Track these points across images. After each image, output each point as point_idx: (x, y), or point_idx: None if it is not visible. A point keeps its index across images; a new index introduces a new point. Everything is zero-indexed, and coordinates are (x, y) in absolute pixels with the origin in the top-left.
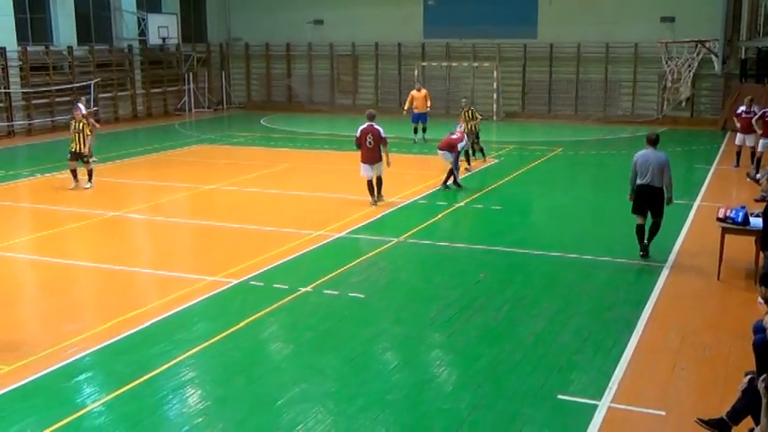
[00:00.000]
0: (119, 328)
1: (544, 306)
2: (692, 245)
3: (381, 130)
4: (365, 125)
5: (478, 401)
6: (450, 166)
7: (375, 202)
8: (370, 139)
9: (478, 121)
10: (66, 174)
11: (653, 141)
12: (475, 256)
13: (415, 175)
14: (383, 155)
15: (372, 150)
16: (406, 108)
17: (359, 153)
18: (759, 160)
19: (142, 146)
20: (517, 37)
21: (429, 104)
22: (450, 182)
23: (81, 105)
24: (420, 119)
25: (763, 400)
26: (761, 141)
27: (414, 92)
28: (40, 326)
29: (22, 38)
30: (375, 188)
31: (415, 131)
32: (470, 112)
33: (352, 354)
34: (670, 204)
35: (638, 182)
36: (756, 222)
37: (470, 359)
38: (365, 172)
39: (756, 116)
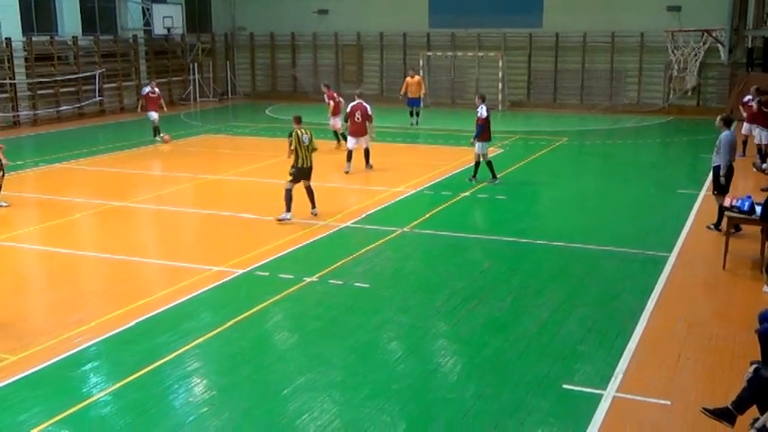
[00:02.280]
0: (125, 318)
1: (549, 296)
2: (698, 234)
3: (369, 107)
4: (355, 102)
5: (483, 391)
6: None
7: (348, 171)
8: (358, 114)
9: None
10: (73, 163)
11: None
12: (480, 246)
13: (420, 165)
14: (369, 129)
15: (360, 125)
16: (402, 92)
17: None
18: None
19: (147, 136)
20: (522, 26)
21: (423, 91)
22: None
23: None
24: (414, 104)
25: None
26: (764, 133)
27: (408, 78)
28: (46, 315)
29: (26, 28)
30: (357, 158)
31: (411, 115)
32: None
33: (358, 343)
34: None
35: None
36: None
37: (475, 348)
38: (351, 144)
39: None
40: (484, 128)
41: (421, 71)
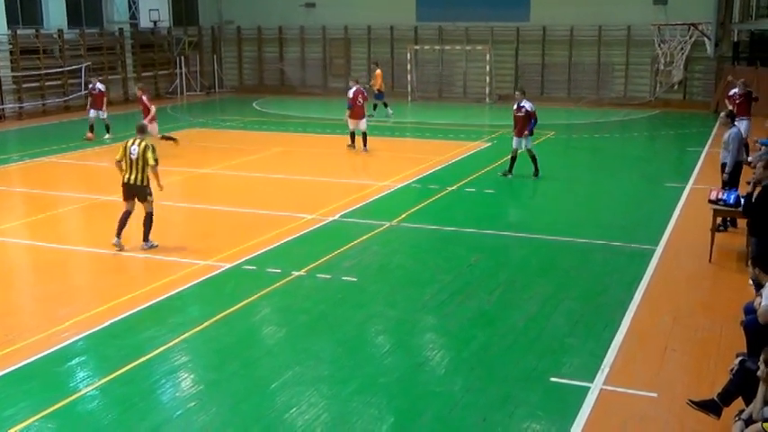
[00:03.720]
0: (112, 313)
1: (537, 289)
2: (685, 227)
3: (366, 91)
4: (355, 88)
5: (471, 384)
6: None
7: (353, 146)
8: (360, 98)
9: None
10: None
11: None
12: (468, 240)
13: (407, 159)
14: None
15: (362, 108)
16: (378, 87)
17: (347, 138)
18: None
19: (133, 129)
20: (510, 20)
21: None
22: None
23: None
24: (381, 97)
25: (761, 385)
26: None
27: (379, 71)
28: (32, 310)
29: (11, 21)
30: (361, 140)
31: (386, 105)
32: None
33: (346, 337)
34: None
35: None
36: None
37: (463, 342)
38: (353, 125)
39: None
40: (533, 121)
41: (408, 65)
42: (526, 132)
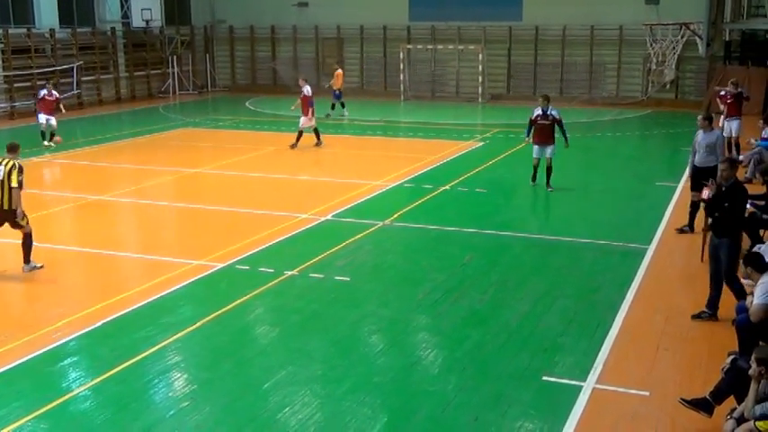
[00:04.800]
0: (104, 313)
1: (530, 288)
2: (677, 226)
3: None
4: (309, 87)
5: (464, 383)
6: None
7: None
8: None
9: None
10: (51, 157)
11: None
12: (461, 239)
13: (400, 158)
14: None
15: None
16: (339, 86)
17: (340, 137)
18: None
19: (126, 129)
20: (502, 19)
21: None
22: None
23: None
24: (340, 96)
25: (753, 384)
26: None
27: (339, 70)
28: (25, 310)
29: (3, 20)
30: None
31: (343, 106)
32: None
33: (339, 337)
34: None
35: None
36: None
37: (456, 341)
38: (311, 123)
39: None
40: (561, 128)
41: (401, 64)
42: (553, 143)
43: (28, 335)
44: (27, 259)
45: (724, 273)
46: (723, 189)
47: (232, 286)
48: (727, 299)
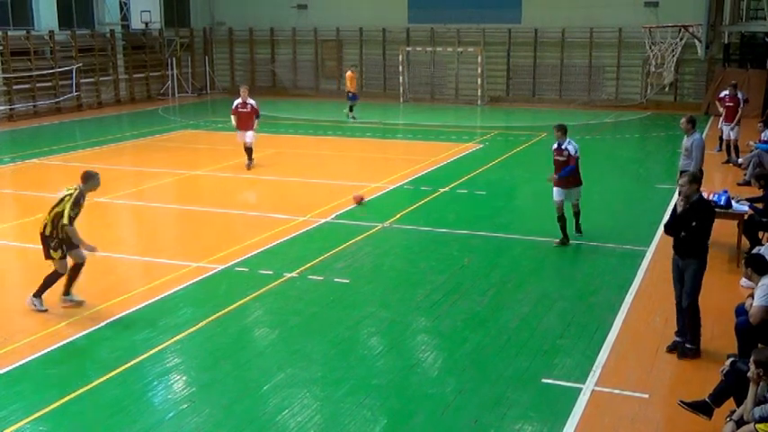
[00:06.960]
0: (104, 314)
1: (529, 290)
2: None
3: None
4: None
5: (463, 386)
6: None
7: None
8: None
9: None
10: (50, 159)
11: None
12: (460, 241)
13: (399, 161)
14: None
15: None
16: (353, 89)
17: (343, 139)
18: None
19: (125, 131)
20: (502, 21)
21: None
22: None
23: None
24: (356, 98)
25: (752, 386)
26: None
27: (350, 72)
28: (24, 312)
29: (2, 22)
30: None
31: (351, 110)
32: None
33: (338, 339)
34: None
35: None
36: (738, 207)
37: (456, 344)
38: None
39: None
40: (576, 169)
41: (400, 66)
42: (579, 184)
43: (28, 337)
44: (37, 292)
45: (685, 296)
46: (688, 206)
47: (232, 288)
48: (728, 298)
